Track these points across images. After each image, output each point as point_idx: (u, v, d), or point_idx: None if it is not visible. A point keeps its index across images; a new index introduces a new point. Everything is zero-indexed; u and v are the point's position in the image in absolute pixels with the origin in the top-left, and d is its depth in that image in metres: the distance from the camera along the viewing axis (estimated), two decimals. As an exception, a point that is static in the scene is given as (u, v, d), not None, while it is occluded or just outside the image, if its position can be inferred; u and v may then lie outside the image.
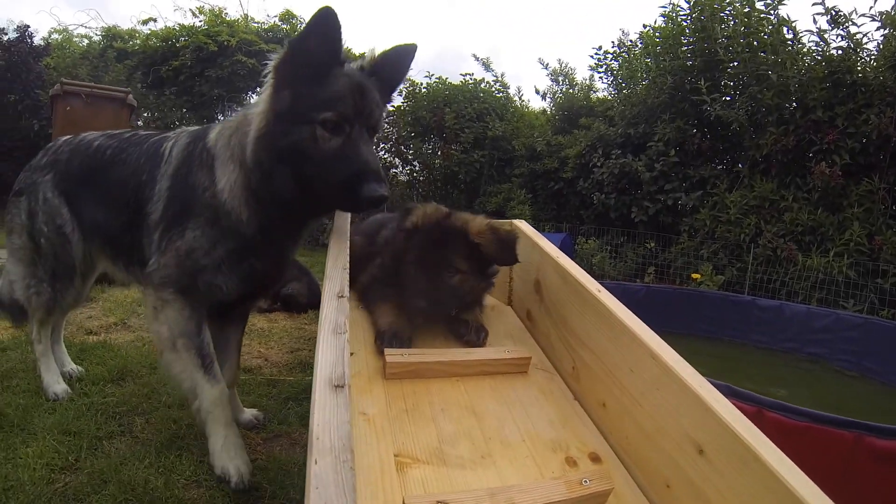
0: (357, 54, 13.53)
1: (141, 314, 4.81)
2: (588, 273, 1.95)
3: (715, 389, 1.28)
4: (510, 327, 2.36)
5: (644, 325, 1.55)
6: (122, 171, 2.72)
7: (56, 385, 3.21)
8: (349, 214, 2.44)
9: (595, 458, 1.51)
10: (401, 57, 2.36)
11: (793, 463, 1.08)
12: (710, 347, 5.26)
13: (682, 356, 1.42)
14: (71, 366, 3.54)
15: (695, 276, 7.25)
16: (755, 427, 1.17)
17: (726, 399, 1.25)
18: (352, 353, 1.90)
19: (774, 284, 6.94)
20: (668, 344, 1.46)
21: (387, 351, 1.82)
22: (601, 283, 1.83)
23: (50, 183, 2.98)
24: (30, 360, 3.52)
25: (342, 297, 1.51)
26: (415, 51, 2.40)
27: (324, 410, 1.03)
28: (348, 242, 2.11)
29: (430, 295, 2.06)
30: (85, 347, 3.98)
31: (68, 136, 3.17)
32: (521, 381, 1.87)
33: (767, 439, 1.14)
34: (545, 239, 2.36)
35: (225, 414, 2.33)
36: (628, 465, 1.49)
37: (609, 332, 1.64)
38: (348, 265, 1.82)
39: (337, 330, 1.32)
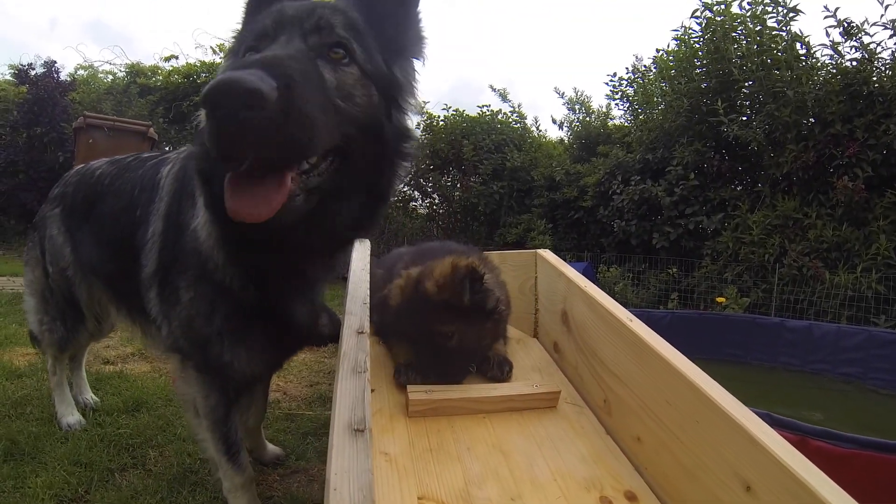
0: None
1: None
2: None
3: (761, 421, 1.20)
4: (537, 360, 2.29)
5: (679, 353, 1.47)
6: (116, 203, 2.38)
7: (69, 416, 3.17)
8: (367, 245, 2.33)
9: (631, 497, 1.43)
10: None
11: (853, 500, 1.00)
12: (739, 372, 5.13)
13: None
14: (88, 394, 3.51)
15: (720, 299, 7.11)
16: (808, 461, 1.09)
17: (774, 431, 1.18)
18: (373, 390, 1.85)
19: (802, 304, 6.76)
20: None
21: (409, 388, 1.77)
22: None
23: (58, 218, 2.81)
24: (45, 387, 3.51)
25: (362, 333, 1.45)
26: None
27: (342, 457, 0.96)
28: (368, 275, 2.02)
29: (441, 369, 1.92)
30: (101, 377, 3.98)
31: (81, 165, 3.03)
32: (550, 416, 1.80)
33: (824, 475, 1.05)
34: (570, 268, 2.29)
35: (248, 497, 2.16)
36: (667, 504, 1.42)
37: (642, 363, 1.56)
38: (369, 299, 1.76)
39: (357, 369, 1.26)
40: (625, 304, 6.73)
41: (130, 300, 2.29)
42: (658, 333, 1.56)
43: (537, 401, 1.83)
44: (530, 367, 2.20)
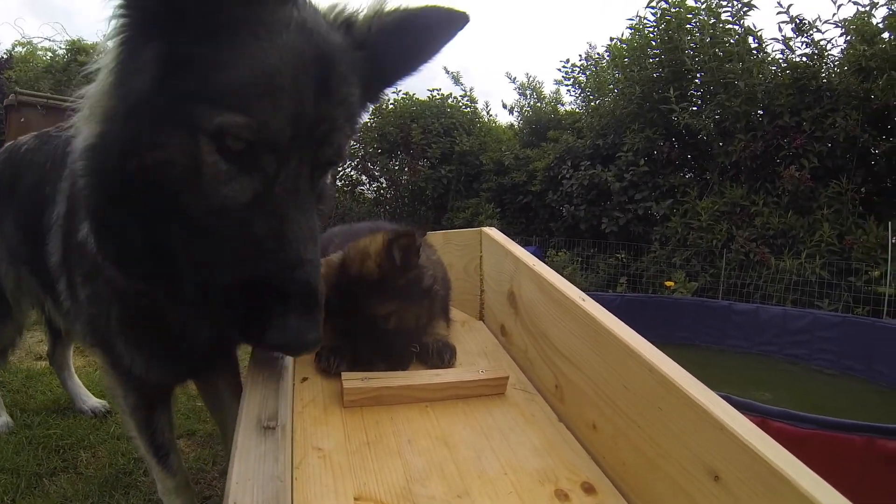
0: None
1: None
2: None
3: (729, 405, 1.08)
4: (483, 344, 2.12)
5: (636, 334, 1.34)
6: (30, 179, 2.12)
7: None
8: None
9: (589, 489, 1.29)
10: (430, 29, 1.43)
11: (830, 486, 0.89)
12: (688, 354, 5.12)
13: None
14: (93, 400, 3.24)
15: (668, 283, 7.16)
16: (781, 447, 0.97)
17: (742, 415, 1.06)
18: (305, 378, 1.68)
19: (748, 288, 6.88)
20: None
21: (344, 375, 1.58)
22: None
23: None
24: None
25: None
26: (462, 24, 1.43)
27: (246, 461, 0.78)
28: None
29: (384, 354, 1.72)
30: (32, 374, 3.73)
31: (10, 143, 2.72)
32: (499, 404, 1.64)
33: (797, 460, 0.94)
34: (518, 246, 2.14)
35: (182, 499, 1.96)
36: (627, 496, 1.28)
37: (596, 345, 1.42)
38: None
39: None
40: (575, 289, 6.71)
41: (54, 290, 1.95)
42: None
43: (484, 387, 1.67)
44: (476, 352, 2.03)
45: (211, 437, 3.00)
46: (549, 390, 1.68)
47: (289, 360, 1.28)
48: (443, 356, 1.81)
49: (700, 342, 5.32)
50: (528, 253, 2.03)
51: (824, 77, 7.24)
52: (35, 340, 4.40)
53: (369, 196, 12.50)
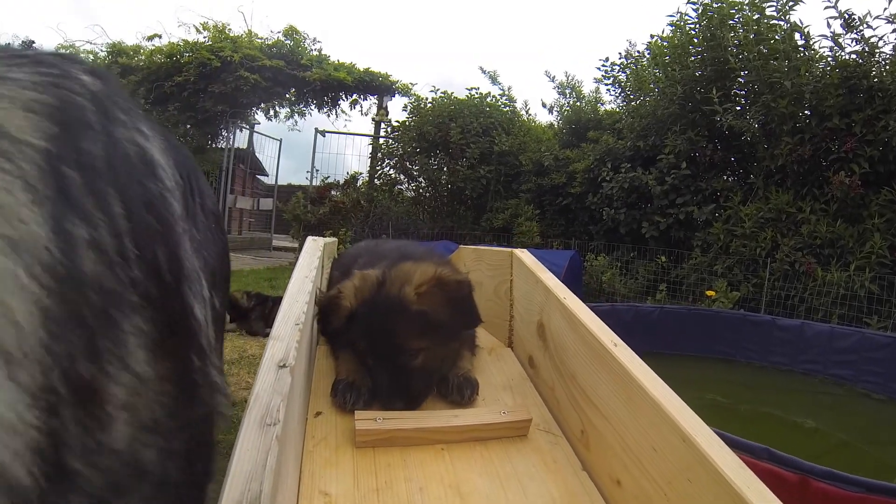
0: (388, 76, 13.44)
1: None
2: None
3: (765, 488, 0.98)
4: (509, 376, 2.03)
5: (672, 393, 1.24)
6: None
7: None
8: (322, 244, 2.08)
9: (607, 552, 1.22)
10: None
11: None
12: (729, 372, 5.01)
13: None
14: None
15: (709, 293, 6.96)
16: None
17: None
18: (319, 413, 1.63)
19: (793, 301, 6.66)
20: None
21: (357, 414, 1.52)
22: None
23: None
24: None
25: (284, 367, 1.17)
26: None
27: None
28: (312, 285, 1.75)
29: (400, 391, 1.64)
30: None
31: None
32: (519, 447, 1.55)
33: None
34: (549, 273, 2.03)
35: None
36: (648, 562, 1.20)
37: (627, 399, 1.32)
38: (305, 319, 1.50)
39: (266, 420, 0.99)
40: (612, 294, 6.65)
41: None
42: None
43: (505, 430, 1.58)
44: (501, 386, 1.94)
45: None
46: (574, 435, 1.60)
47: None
48: (463, 392, 1.72)
49: (741, 357, 5.15)
50: (559, 282, 1.93)
51: (875, 76, 6.88)
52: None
53: (408, 195, 12.46)
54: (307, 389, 1.62)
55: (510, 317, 2.29)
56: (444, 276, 1.69)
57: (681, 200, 8.21)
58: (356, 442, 1.49)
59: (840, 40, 7.22)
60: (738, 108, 8.17)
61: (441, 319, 1.67)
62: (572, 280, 7.85)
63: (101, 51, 14.54)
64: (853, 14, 7.03)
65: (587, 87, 12.14)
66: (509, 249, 2.38)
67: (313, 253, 1.97)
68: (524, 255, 2.27)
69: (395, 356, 1.66)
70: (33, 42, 12.86)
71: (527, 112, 12.71)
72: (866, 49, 7.01)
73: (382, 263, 1.84)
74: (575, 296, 1.80)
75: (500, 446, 1.57)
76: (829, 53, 7.44)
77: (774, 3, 7.66)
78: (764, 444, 2.00)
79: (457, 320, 1.74)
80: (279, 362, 1.16)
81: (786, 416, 4.01)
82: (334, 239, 3.33)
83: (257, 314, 5.19)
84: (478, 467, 1.47)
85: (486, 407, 1.74)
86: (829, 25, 7.21)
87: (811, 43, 7.58)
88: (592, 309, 1.68)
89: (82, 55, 14.54)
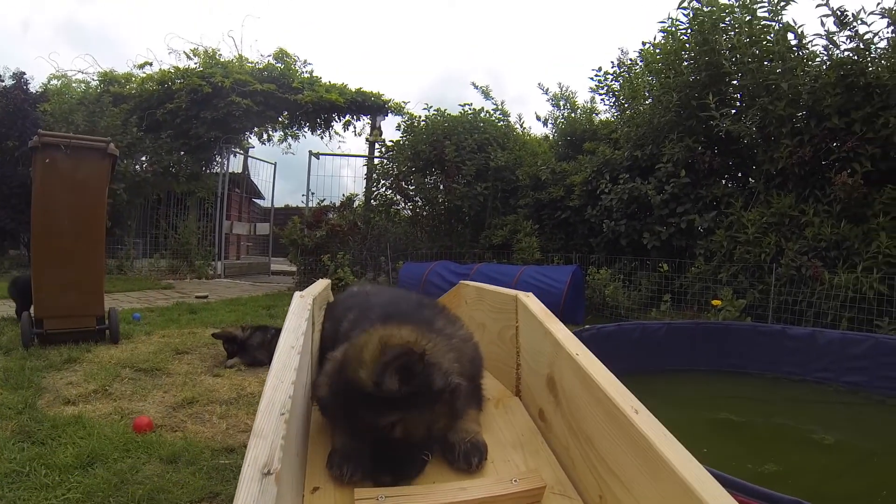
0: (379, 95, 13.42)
1: (125, 378, 4.41)
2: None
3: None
4: (519, 431, 1.84)
5: (701, 467, 1.08)
6: None
7: None
8: (310, 301, 1.95)
9: None
10: None
11: None
12: (741, 386, 4.88)
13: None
14: None
15: (715, 302, 6.81)
16: None
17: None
18: (316, 489, 1.49)
19: (800, 305, 6.53)
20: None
21: (357, 492, 1.38)
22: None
23: None
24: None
25: (269, 474, 1.03)
26: None
27: None
28: (298, 358, 1.53)
29: (388, 465, 1.49)
30: (57, 423, 3.52)
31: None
32: None
33: None
34: (559, 324, 1.83)
35: None
36: None
37: (649, 471, 1.15)
38: (290, 408, 1.34)
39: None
40: (616, 307, 6.53)
41: None
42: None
43: (517, 500, 1.44)
44: (511, 443, 1.74)
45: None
46: (591, 499, 1.43)
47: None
48: (470, 461, 1.55)
49: (752, 369, 5.02)
50: (571, 334, 1.76)
51: (872, 73, 6.74)
52: (65, 382, 4.30)
53: (405, 215, 12.38)
54: (301, 467, 1.48)
55: (517, 364, 2.13)
56: (385, 343, 1.51)
57: (681, 209, 8.10)
58: (357, 522, 1.34)
59: (834, 38, 7.11)
60: (735, 112, 8.08)
61: (399, 392, 1.47)
62: (575, 296, 7.74)
63: (93, 80, 14.56)
64: (846, 11, 6.92)
65: (581, 98, 12.10)
66: (514, 292, 2.21)
67: (300, 315, 1.79)
68: (530, 300, 2.09)
69: (373, 434, 1.52)
70: (24, 73, 12.86)
71: (521, 125, 12.67)
72: (861, 45, 6.89)
73: (364, 325, 1.71)
74: (588, 351, 1.61)
75: (512, 516, 1.41)
76: (824, 52, 7.34)
77: (766, 4, 7.58)
78: (783, 466, 1.86)
79: (418, 390, 1.52)
80: (262, 468, 1.00)
81: (803, 431, 3.88)
82: (327, 282, 3.17)
83: (257, 341, 5.08)
84: (490, 541, 1.32)
85: (495, 471, 1.56)
86: (822, 24, 7.12)
87: (805, 43, 7.48)
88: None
89: (74, 84, 14.58)
